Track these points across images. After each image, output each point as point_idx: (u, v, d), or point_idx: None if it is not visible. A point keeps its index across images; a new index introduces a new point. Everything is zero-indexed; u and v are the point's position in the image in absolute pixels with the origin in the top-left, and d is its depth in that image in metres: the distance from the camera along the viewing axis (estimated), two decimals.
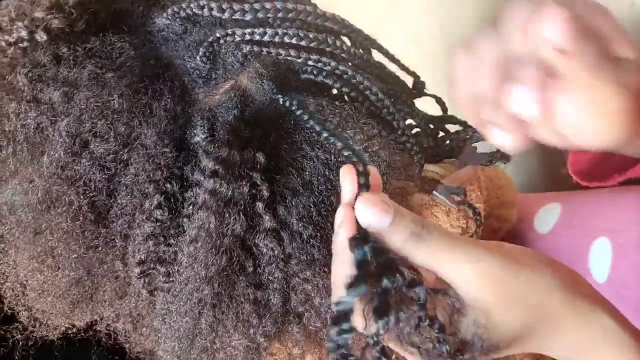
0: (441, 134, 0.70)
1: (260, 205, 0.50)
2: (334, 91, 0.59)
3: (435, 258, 0.41)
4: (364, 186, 0.42)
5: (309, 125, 0.52)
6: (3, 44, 0.49)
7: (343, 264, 0.42)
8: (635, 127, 0.44)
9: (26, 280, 0.55)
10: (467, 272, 0.41)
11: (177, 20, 0.54)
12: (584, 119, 0.42)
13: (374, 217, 0.41)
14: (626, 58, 0.42)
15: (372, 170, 0.44)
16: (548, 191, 1.07)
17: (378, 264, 0.40)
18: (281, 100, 0.52)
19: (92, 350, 0.64)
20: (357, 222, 0.42)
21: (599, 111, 0.42)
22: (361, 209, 0.42)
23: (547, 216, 0.86)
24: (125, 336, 0.64)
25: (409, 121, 0.63)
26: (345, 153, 0.45)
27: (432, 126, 0.68)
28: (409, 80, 0.65)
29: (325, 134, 0.48)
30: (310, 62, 0.54)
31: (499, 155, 0.70)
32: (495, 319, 0.41)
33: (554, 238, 0.81)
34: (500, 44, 0.41)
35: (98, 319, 0.59)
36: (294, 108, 0.52)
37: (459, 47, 0.44)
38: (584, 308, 0.43)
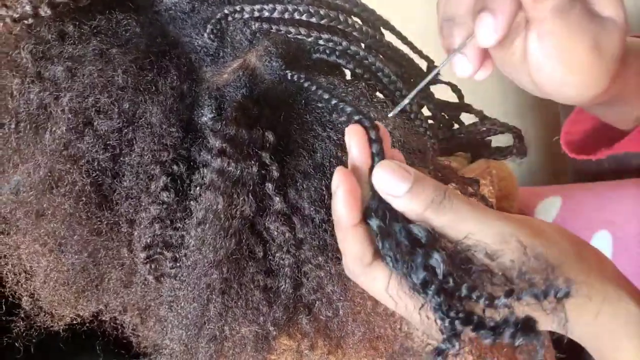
0: (456, 125, 0.68)
1: (270, 186, 0.49)
2: (347, 73, 0.57)
3: (455, 227, 0.39)
4: (377, 155, 0.41)
5: (317, 96, 0.50)
6: (8, 20, 0.48)
7: (347, 236, 0.41)
8: (608, 89, 0.45)
9: (30, 266, 0.54)
10: (490, 245, 0.39)
11: None
12: (554, 69, 0.43)
13: (391, 184, 0.40)
14: (609, 17, 0.43)
15: (382, 129, 0.42)
16: (548, 184, 1.06)
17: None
18: (289, 75, 0.50)
19: (97, 341, 0.62)
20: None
21: (569, 63, 0.43)
22: (379, 175, 0.40)
23: (548, 209, 0.87)
24: (132, 330, 0.62)
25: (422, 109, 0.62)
26: (356, 117, 0.43)
27: (446, 116, 0.66)
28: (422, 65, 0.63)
29: (334, 101, 0.46)
30: (321, 42, 0.53)
31: (515, 151, 0.68)
32: None
33: None
34: None
35: (103, 309, 0.57)
36: (302, 81, 0.50)
37: None
38: (609, 292, 0.41)
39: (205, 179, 0.48)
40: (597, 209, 0.84)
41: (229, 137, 0.47)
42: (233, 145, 0.47)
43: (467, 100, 0.67)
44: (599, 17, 0.43)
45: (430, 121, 0.64)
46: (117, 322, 0.61)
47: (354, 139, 0.42)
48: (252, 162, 0.48)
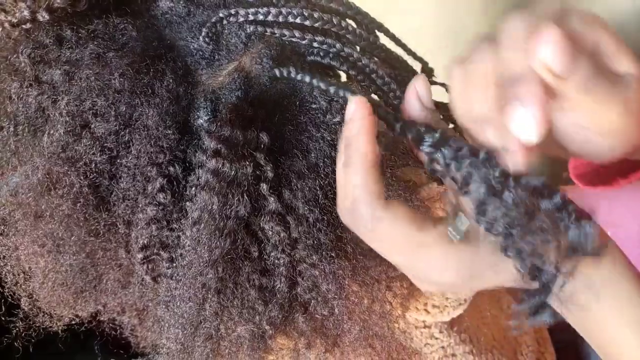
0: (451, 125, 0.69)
1: (264, 186, 0.49)
2: (343, 76, 0.58)
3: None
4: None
5: (312, 98, 0.51)
6: (7, 25, 0.49)
7: (363, 175, 0.40)
8: (637, 143, 0.42)
9: (28, 267, 0.55)
10: None
11: (181, 2, 0.53)
12: (587, 137, 0.41)
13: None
14: (626, 72, 0.40)
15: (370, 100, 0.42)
16: None
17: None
18: (277, 72, 0.51)
19: (95, 341, 0.63)
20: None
21: (601, 131, 0.41)
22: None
23: None
24: (131, 330, 0.63)
25: None
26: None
27: (441, 117, 0.67)
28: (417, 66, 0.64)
29: (332, 88, 0.47)
30: (315, 44, 0.54)
31: None
32: None
33: None
34: (497, 60, 0.39)
35: (102, 309, 0.58)
36: (292, 75, 0.50)
37: (454, 62, 0.42)
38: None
39: (200, 179, 0.49)
40: (596, 210, 0.84)
41: (224, 138, 0.48)
42: (228, 146, 0.48)
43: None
44: (617, 75, 0.40)
45: None
46: (116, 322, 0.62)
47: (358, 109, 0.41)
48: (247, 162, 0.49)
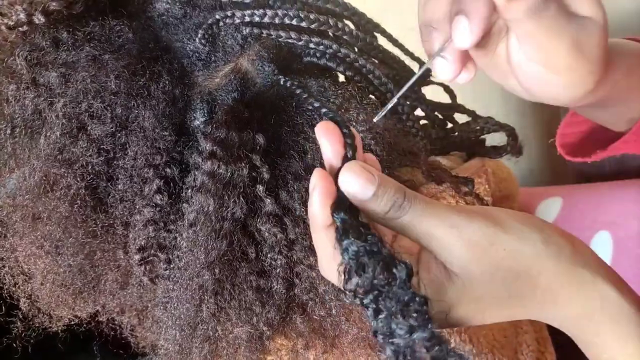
0: (449, 125, 0.69)
1: (260, 188, 0.49)
2: (341, 77, 0.58)
3: (417, 229, 0.40)
4: (349, 148, 0.42)
5: (308, 104, 0.51)
6: (3, 28, 0.49)
7: (320, 236, 0.42)
8: (591, 89, 0.45)
9: (27, 268, 0.55)
10: (449, 242, 0.40)
11: (177, 3, 0.53)
12: (539, 73, 0.44)
13: (358, 188, 0.40)
14: (588, 17, 0.42)
15: (354, 132, 0.43)
16: (549, 185, 1.07)
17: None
18: (282, 80, 0.51)
19: (94, 342, 0.63)
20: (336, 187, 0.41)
21: (548, 63, 0.43)
22: (346, 179, 0.41)
23: (548, 210, 0.88)
24: (130, 331, 0.63)
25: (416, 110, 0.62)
26: (330, 116, 0.44)
27: (440, 116, 0.67)
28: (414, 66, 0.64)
29: (316, 104, 0.47)
30: (311, 45, 0.53)
31: (509, 149, 0.68)
32: (480, 288, 0.40)
33: None
34: None
35: (101, 310, 0.58)
36: (293, 87, 0.50)
37: None
38: (584, 277, 0.41)
39: (196, 181, 0.49)
40: (597, 209, 0.84)
41: (219, 139, 0.48)
42: (223, 148, 0.48)
43: (467, 101, 0.68)
44: (577, 16, 0.43)
45: (423, 121, 0.65)
46: (115, 322, 0.62)
47: (326, 137, 0.42)
48: (243, 164, 0.49)
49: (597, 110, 0.59)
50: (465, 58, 0.46)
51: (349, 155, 0.42)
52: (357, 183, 0.40)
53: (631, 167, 0.97)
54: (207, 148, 0.48)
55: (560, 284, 0.41)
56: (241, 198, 0.49)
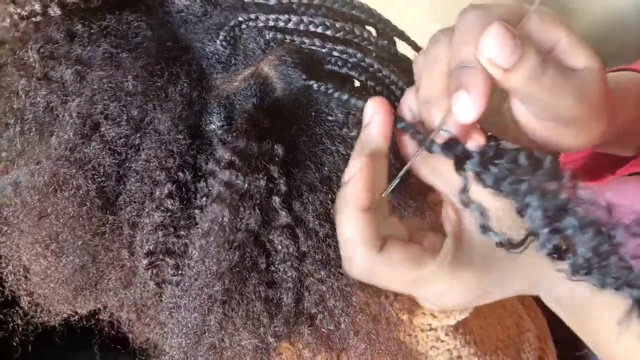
0: None
1: (276, 199, 0.48)
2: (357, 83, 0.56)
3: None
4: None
5: (329, 109, 0.51)
6: (15, 17, 0.47)
7: (355, 219, 0.43)
8: (604, 132, 0.45)
9: (29, 265, 0.53)
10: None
11: (197, 1, 0.51)
12: (548, 128, 0.44)
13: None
14: (584, 66, 0.43)
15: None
16: None
17: None
18: (315, 85, 0.50)
19: (94, 339, 0.62)
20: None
21: (556, 119, 0.44)
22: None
23: None
24: (128, 325, 0.62)
25: None
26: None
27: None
28: None
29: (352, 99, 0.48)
30: (335, 53, 0.52)
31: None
32: None
33: None
34: (450, 50, 0.43)
35: (101, 308, 0.57)
36: (330, 91, 0.49)
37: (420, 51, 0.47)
38: None
39: (212, 190, 0.48)
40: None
41: (239, 149, 0.47)
42: (242, 158, 0.47)
43: None
44: (575, 70, 0.43)
45: None
46: (113, 317, 0.61)
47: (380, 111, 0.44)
48: (260, 175, 0.47)
49: (604, 146, 0.59)
50: (469, 129, 0.45)
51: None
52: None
53: None
54: (226, 157, 0.47)
55: None
56: (256, 209, 0.47)
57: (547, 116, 0.43)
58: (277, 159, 0.48)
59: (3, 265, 0.54)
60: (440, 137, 0.43)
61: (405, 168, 0.47)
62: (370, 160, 0.43)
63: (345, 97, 0.49)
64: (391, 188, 0.46)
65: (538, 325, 0.86)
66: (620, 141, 0.55)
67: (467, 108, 0.40)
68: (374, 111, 0.45)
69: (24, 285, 0.55)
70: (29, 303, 0.55)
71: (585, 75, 0.43)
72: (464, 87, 0.40)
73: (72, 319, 0.58)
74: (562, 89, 0.42)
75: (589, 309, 0.44)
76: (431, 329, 0.66)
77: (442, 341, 0.67)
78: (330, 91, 0.50)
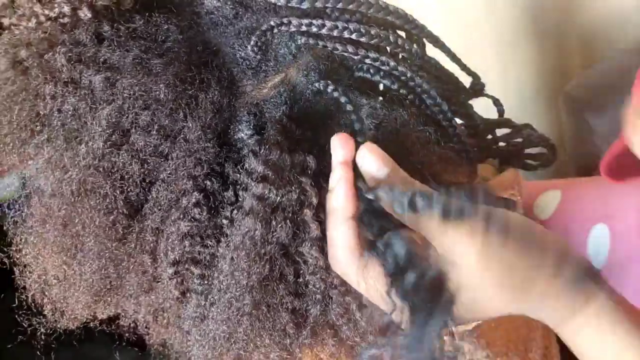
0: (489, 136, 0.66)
1: (308, 212, 0.47)
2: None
3: (430, 227, 0.42)
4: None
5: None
6: (42, 17, 0.45)
7: (341, 227, 0.44)
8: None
9: (53, 273, 0.52)
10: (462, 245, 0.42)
11: (229, 3, 0.50)
12: None
13: (375, 165, 0.44)
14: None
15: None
16: (549, 178, 1.07)
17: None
18: (335, 93, 0.49)
19: (103, 332, 0.61)
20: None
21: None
22: (364, 155, 0.44)
23: (547, 202, 0.88)
24: (145, 327, 0.61)
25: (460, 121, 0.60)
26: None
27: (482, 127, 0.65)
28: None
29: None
30: (367, 61, 0.50)
31: (547, 165, 0.67)
32: (488, 291, 0.43)
33: (553, 224, 0.83)
34: None
35: (122, 313, 0.56)
36: (344, 101, 0.49)
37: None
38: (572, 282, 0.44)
39: (244, 202, 0.46)
40: (595, 202, 0.85)
41: (272, 162, 0.45)
42: (275, 171, 0.46)
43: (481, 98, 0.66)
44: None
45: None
46: (130, 319, 0.60)
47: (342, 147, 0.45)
48: (293, 188, 0.46)
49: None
50: None
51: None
52: (375, 161, 0.44)
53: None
54: (259, 170, 0.45)
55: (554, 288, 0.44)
56: (288, 222, 0.46)
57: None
58: (309, 170, 0.47)
59: (27, 274, 0.52)
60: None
61: None
62: (350, 167, 0.45)
63: (352, 117, 0.49)
64: None
65: (543, 324, 0.86)
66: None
67: None
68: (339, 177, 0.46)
69: (47, 293, 0.53)
70: (51, 310, 0.54)
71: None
72: None
73: (90, 323, 0.57)
74: None
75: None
76: (447, 334, 0.66)
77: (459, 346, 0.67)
78: (342, 99, 0.49)
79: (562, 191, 0.87)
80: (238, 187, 0.48)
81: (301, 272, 0.49)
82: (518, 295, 0.43)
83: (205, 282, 0.50)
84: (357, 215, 0.44)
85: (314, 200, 0.47)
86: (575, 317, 0.44)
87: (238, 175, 0.47)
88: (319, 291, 0.49)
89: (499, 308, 0.44)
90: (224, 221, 0.48)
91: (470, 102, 0.62)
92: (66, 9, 0.44)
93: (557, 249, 0.44)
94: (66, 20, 0.45)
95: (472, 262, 0.41)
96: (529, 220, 0.46)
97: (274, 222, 0.46)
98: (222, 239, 0.48)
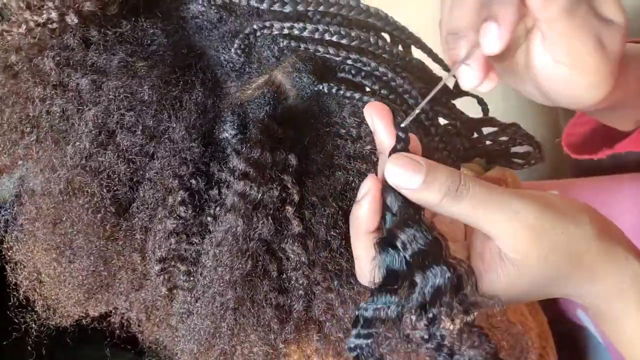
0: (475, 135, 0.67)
1: (289, 209, 0.48)
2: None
3: (473, 213, 0.41)
4: (400, 141, 0.42)
5: (340, 118, 0.50)
6: (31, 24, 0.47)
7: (362, 241, 0.43)
8: (610, 91, 0.46)
9: (43, 270, 0.54)
10: (505, 225, 0.41)
11: (213, 7, 0.51)
12: (563, 74, 0.45)
13: (404, 178, 0.41)
14: (612, 19, 0.44)
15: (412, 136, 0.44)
16: (547, 179, 1.08)
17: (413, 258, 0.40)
18: (325, 88, 0.50)
19: (101, 334, 0.62)
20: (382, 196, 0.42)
21: (574, 64, 0.44)
22: (392, 171, 0.41)
23: None
24: (138, 325, 0.62)
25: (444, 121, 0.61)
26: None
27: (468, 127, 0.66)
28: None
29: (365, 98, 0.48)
30: (349, 61, 0.52)
31: (533, 162, 0.68)
32: (535, 272, 0.41)
33: None
34: None
35: (112, 311, 0.57)
36: (340, 91, 0.50)
37: None
38: (618, 255, 0.43)
39: (225, 199, 0.48)
40: (593, 203, 0.85)
41: (253, 160, 0.47)
42: (256, 169, 0.47)
43: (467, 99, 0.67)
44: (602, 18, 0.44)
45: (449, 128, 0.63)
46: (123, 317, 0.61)
47: (380, 118, 0.43)
48: (274, 185, 0.48)
49: (606, 113, 0.61)
50: (489, 66, 0.46)
51: (399, 147, 0.42)
52: (403, 173, 0.41)
53: (629, 162, 0.98)
54: (240, 168, 0.47)
55: (599, 262, 0.42)
56: (269, 219, 0.48)
57: (568, 60, 0.44)
58: (290, 169, 0.48)
59: (18, 271, 0.54)
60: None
61: (424, 101, 0.47)
62: (378, 181, 0.43)
63: (357, 95, 0.50)
64: (410, 119, 0.45)
65: (539, 323, 0.86)
66: (620, 107, 0.55)
67: (494, 39, 0.41)
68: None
69: (38, 290, 0.55)
70: (42, 307, 0.55)
71: (610, 26, 0.44)
72: (494, 18, 0.41)
73: (82, 321, 0.58)
74: (590, 32, 0.43)
75: (624, 321, 0.45)
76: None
77: None
78: (341, 91, 0.50)
79: (559, 192, 0.88)
80: (222, 185, 0.49)
81: (284, 268, 0.50)
82: (564, 272, 0.42)
83: (191, 278, 0.51)
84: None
85: (296, 197, 0.48)
86: (624, 292, 0.44)
87: (222, 173, 0.49)
88: (302, 287, 0.50)
89: (543, 288, 0.43)
90: (209, 219, 0.49)
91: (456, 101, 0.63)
92: (54, 15, 0.46)
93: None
94: (55, 25, 0.47)
95: (524, 240, 0.41)
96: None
97: (255, 219, 0.47)
98: (207, 236, 0.49)
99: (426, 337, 0.40)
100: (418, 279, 0.40)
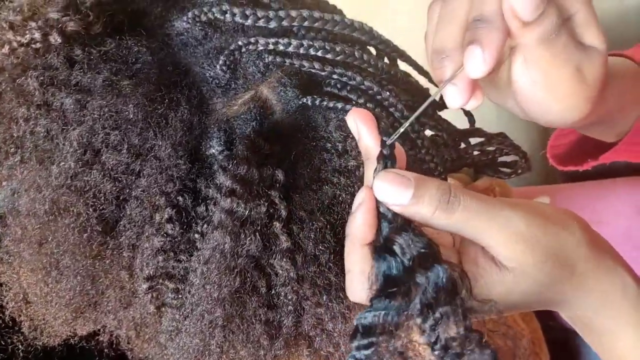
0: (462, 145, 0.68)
1: (277, 225, 0.48)
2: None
3: (466, 225, 0.41)
4: (386, 158, 0.42)
5: (327, 132, 0.50)
6: (15, 44, 0.46)
7: (356, 253, 0.43)
8: (590, 114, 0.47)
9: (30, 290, 0.53)
10: (498, 235, 0.41)
11: (198, 24, 0.51)
12: (540, 96, 0.45)
13: (394, 195, 0.41)
14: (592, 46, 0.45)
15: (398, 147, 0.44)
16: (538, 185, 1.08)
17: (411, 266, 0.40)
18: (309, 100, 0.50)
19: (91, 352, 0.62)
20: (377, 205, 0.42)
21: (549, 89, 0.45)
22: (380, 188, 0.41)
23: None
24: (127, 342, 0.62)
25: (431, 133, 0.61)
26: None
27: (455, 138, 0.66)
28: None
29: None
30: (334, 76, 0.52)
31: (520, 171, 0.68)
32: (531, 279, 0.41)
33: None
34: (470, 3, 0.44)
35: (101, 329, 0.57)
36: (325, 102, 0.50)
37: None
38: (608, 264, 0.44)
39: (213, 216, 0.48)
40: (584, 208, 0.86)
41: (240, 177, 0.47)
42: (243, 185, 0.47)
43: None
44: (583, 45, 0.44)
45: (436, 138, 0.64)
46: (112, 335, 0.61)
47: (363, 123, 0.44)
48: (261, 201, 0.47)
49: (587, 128, 0.62)
50: (475, 85, 0.46)
51: (388, 165, 0.42)
52: (392, 190, 0.41)
53: (618, 167, 0.99)
54: (227, 185, 0.47)
55: (590, 269, 0.43)
56: (257, 235, 0.48)
57: (544, 85, 0.44)
58: (277, 184, 0.48)
59: (4, 293, 0.53)
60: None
61: (411, 118, 0.47)
62: (372, 194, 0.43)
63: (340, 105, 0.50)
64: (395, 136, 0.45)
65: (532, 329, 0.87)
66: (601, 123, 0.56)
67: (478, 63, 0.41)
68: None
69: (24, 311, 0.54)
70: (29, 327, 0.55)
71: (590, 53, 0.44)
72: (479, 42, 0.41)
73: (71, 340, 0.57)
74: (567, 59, 0.43)
75: (615, 332, 0.45)
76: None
77: None
78: (324, 102, 0.50)
79: (550, 198, 0.89)
80: (209, 202, 0.49)
81: (273, 283, 0.50)
82: (558, 278, 0.42)
83: (180, 296, 0.51)
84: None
85: (283, 213, 0.48)
86: (614, 304, 0.44)
87: (209, 190, 0.49)
88: (291, 302, 0.50)
89: (538, 296, 0.43)
90: (197, 236, 0.49)
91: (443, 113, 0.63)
92: (37, 35, 0.46)
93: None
94: (38, 45, 0.47)
95: (518, 248, 0.41)
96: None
97: (242, 235, 0.47)
98: (195, 253, 0.49)
99: (432, 339, 0.39)
100: (420, 280, 0.39)
